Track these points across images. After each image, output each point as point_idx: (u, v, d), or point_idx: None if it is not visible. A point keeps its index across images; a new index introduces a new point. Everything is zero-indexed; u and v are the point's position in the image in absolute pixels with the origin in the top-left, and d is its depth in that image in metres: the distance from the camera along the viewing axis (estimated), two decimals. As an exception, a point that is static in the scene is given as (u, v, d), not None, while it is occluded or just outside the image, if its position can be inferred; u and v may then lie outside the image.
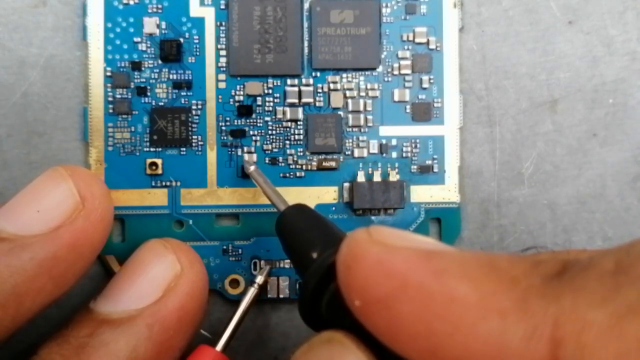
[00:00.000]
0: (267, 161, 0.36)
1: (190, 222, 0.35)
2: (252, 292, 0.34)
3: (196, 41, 0.35)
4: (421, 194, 0.36)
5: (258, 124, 0.35)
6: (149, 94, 0.35)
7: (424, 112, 0.36)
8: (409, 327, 0.20)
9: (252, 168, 0.34)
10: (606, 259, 0.19)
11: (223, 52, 0.35)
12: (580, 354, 0.17)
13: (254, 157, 0.35)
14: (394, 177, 0.35)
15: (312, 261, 0.27)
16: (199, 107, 0.35)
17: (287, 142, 0.36)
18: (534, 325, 0.18)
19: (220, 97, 0.35)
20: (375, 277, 0.20)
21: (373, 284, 0.20)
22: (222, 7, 0.35)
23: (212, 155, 0.35)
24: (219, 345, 0.32)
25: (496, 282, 0.19)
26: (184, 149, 0.35)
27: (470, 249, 0.37)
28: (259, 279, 0.34)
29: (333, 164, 0.36)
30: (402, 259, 0.20)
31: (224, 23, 0.35)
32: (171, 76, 0.35)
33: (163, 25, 0.35)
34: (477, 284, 0.19)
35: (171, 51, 0.35)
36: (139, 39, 0.35)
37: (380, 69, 0.36)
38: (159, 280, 0.31)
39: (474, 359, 0.19)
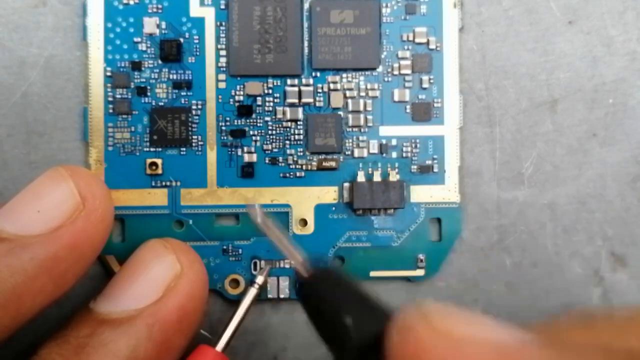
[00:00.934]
0: (267, 161, 0.35)
1: (190, 222, 0.35)
2: (252, 292, 0.33)
3: (196, 41, 0.35)
4: (421, 194, 0.36)
5: (258, 124, 0.35)
6: (149, 94, 0.35)
7: (424, 112, 0.36)
8: None
9: (259, 219, 0.28)
10: None
11: (223, 52, 0.35)
12: None
13: (260, 210, 0.29)
14: (394, 177, 0.35)
15: (345, 327, 0.24)
16: (199, 107, 0.35)
17: (287, 142, 0.35)
18: None
19: (220, 97, 0.35)
20: None
21: None
22: (222, 7, 0.35)
23: (212, 155, 0.35)
24: (219, 345, 0.32)
25: None
26: (184, 149, 0.35)
27: (470, 249, 0.37)
28: (259, 279, 0.34)
29: (333, 164, 0.35)
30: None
31: (224, 23, 0.35)
32: (171, 76, 0.35)
33: (163, 25, 0.35)
34: None
35: (171, 51, 0.35)
36: (139, 39, 0.35)
37: (380, 69, 0.35)
38: (159, 280, 0.31)
39: None
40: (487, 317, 0.20)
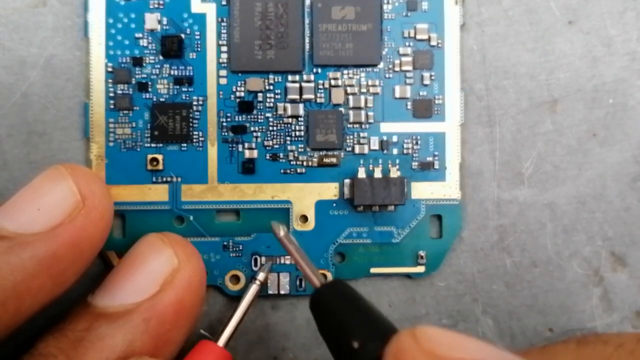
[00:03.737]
0: (268, 157, 0.34)
1: (191, 218, 0.34)
2: (253, 288, 0.33)
3: (197, 37, 0.34)
4: (422, 190, 0.35)
5: (259, 120, 0.34)
6: (150, 89, 0.34)
7: (424, 109, 0.35)
8: None
9: (281, 233, 0.30)
10: None
11: (224, 48, 0.34)
12: None
13: (283, 226, 0.31)
14: (394, 173, 0.34)
15: (353, 352, 0.25)
16: (200, 103, 0.34)
17: (288, 138, 0.35)
18: None
19: (221, 93, 0.34)
20: None
21: None
22: (224, 3, 0.34)
23: (212, 151, 0.34)
24: (221, 341, 0.32)
25: None
26: (185, 144, 0.34)
27: (470, 249, 0.36)
28: (261, 276, 0.34)
29: (334, 160, 0.35)
30: None
31: (225, 19, 0.34)
32: (172, 72, 0.34)
33: (164, 21, 0.34)
34: None
35: (172, 47, 0.34)
36: (140, 35, 0.34)
37: (381, 65, 0.35)
38: (156, 274, 0.30)
39: None
40: (478, 341, 0.20)
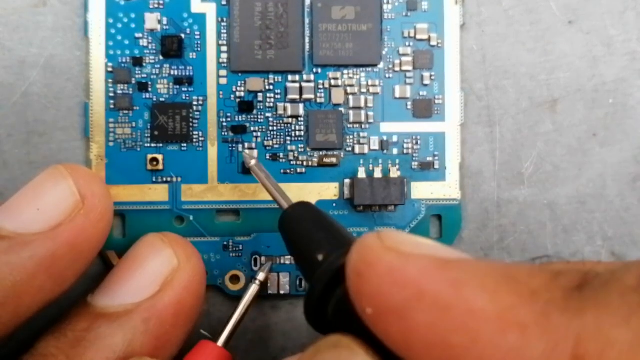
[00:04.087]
0: (267, 157, 0.34)
1: (191, 218, 0.34)
2: (253, 288, 0.33)
3: (197, 37, 0.34)
4: (422, 190, 0.35)
5: (259, 120, 0.34)
6: (150, 89, 0.34)
7: (425, 109, 0.35)
8: (424, 339, 0.19)
9: (252, 162, 0.32)
10: (629, 275, 0.18)
11: (224, 48, 0.34)
12: None
13: (255, 152, 0.34)
14: (394, 173, 0.34)
15: (318, 264, 0.25)
16: (200, 103, 0.34)
17: (288, 138, 0.34)
18: (556, 341, 0.17)
19: (221, 93, 0.34)
20: (389, 286, 0.19)
21: (386, 293, 0.19)
22: (224, 3, 0.34)
23: (213, 151, 0.34)
24: (220, 341, 0.32)
25: (516, 294, 0.18)
26: (185, 144, 0.34)
27: (470, 249, 0.36)
28: (261, 276, 0.33)
29: (334, 160, 0.34)
30: (417, 268, 0.19)
31: (225, 19, 0.34)
32: (172, 72, 0.34)
33: (164, 21, 0.34)
34: (496, 296, 0.18)
35: (172, 47, 0.34)
36: (140, 35, 0.34)
37: (381, 65, 0.35)
38: (156, 274, 0.30)
39: None
40: (441, 244, 0.21)
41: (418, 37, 0.35)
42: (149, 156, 0.34)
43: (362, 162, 0.35)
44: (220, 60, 0.34)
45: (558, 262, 0.22)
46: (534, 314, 0.18)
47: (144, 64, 0.34)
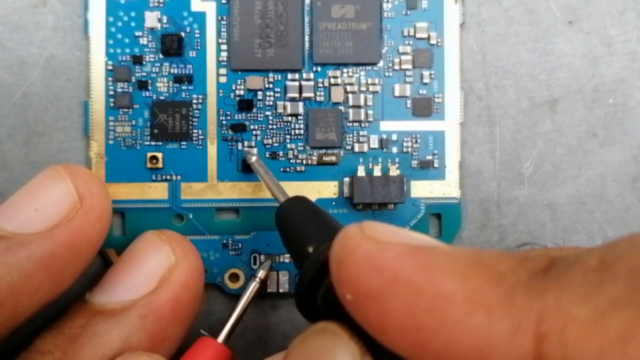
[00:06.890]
0: (267, 155, 0.34)
1: (191, 216, 0.34)
2: (253, 286, 0.32)
3: (197, 35, 0.34)
4: (421, 189, 0.34)
5: (259, 119, 0.34)
6: (150, 87, 0.33)
7: (424, 108, 0.34)
8: (398, 322, 0.19)
9: (253, 159, 0.32)
10: (591, 256, 0.18)
11: (224, 47, 0.34)
12: (563, 349, 0.17)
13: (255, 150, 0.34)
14: (394, 172, 0.34)
15: (308, 255, 0.26)
16: (200, 101, 0.34)
17: (288, 136, 0.34)
18: (519, 321, 0.18)
19: (221, 91, 0.34)
20: (366, 272, 0.20)
21: (363, 279, 0.20)
22: (224, 1, 0.34)
23: (212, 150, 0.34)
24: (220, 337, 0.31)
25: (483, 277, 0.19)
26: (185, 143, 0.33)
27: (469, 249, 0.35)
28: (261, 274, 0.33)
29: (333, 158, 0.34)
30: (392, 255, 0.20)
31: (225, 17, 0.34)
32: (172, 70, 0.33)
33: (164, 19, 0.33)
34: (465, 279, 0.19)
35: (172, 45, 0.33)
36: (140, 33, 0.33)
37: (381, 64, 0.34)
38: (154, 271, 0.30)
39: (459, 353, 0.18)
40: (420, 233, 0.22)
41: (418, 35, 0.34)
42: (149, 154, 0.33)
43: (361, 160, 0.34)
44: (220, 59, 0.34)
45: (536, 249, 0.23)
46: (499, 296, 0.18)
47: (144, 62, 0.33)
